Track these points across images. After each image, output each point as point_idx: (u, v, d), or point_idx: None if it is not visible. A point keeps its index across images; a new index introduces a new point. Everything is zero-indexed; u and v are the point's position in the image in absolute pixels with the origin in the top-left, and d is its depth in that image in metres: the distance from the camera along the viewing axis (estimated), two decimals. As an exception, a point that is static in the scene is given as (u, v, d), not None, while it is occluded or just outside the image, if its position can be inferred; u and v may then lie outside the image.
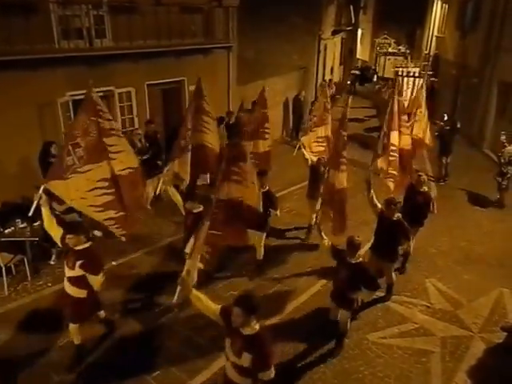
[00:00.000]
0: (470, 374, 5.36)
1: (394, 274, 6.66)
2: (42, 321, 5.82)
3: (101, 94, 9.25)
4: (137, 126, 9.98)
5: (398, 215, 6.15)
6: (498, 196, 10.44)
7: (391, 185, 7.23)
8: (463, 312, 6.50)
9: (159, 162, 9.12)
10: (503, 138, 10.54)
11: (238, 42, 11.73)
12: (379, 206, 6.36)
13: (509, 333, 5.95)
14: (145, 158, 9.04)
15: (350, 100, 18.33)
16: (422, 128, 9.73)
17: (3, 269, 6.45)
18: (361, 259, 5.26)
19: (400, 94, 7.49)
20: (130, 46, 9.11)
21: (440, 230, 8.77)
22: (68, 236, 4.78)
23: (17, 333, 5.63)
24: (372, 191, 6.46)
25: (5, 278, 6.46)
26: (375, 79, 28.35)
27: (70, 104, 8.66)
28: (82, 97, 8.63)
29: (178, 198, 6.32)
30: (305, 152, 8.53)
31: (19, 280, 6.69)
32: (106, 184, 5.25)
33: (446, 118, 12.52)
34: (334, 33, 22.35)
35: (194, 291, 3.94)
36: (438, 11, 22.69)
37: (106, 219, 5.31)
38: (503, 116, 14.31)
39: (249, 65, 12.24)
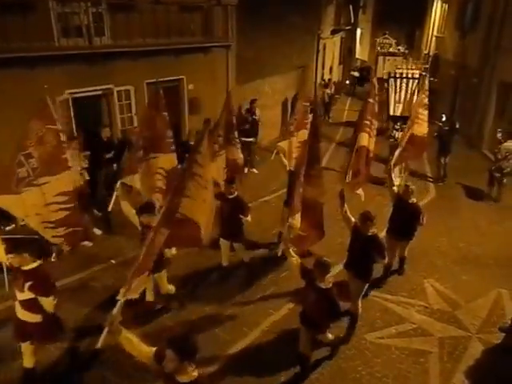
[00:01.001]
0: (468, 375, 5.37)
1: (360, 303, 6.01)
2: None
3: (100, 92, 9.30)
4: (136, 124, 9.95)
5: (373, 230, 5.72)
6: (496, 190, 10.51)
7: (362, 194, 6.92)
8: (461, 312, 6.51)
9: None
10: (499, 135, 10.68)
11: (237, 40, 11.69)
12: (353, 219, 6.00)
13: (507, 333, 5.95)
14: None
15: (348, 102, 18.41)
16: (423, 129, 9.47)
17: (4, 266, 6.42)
18: (331, 285, 4.76)
19: (372, 96, 7.20)
20: (129, 44, 9.08)
21: (438, 231, 8.77)
22: (10, 255, 4.37)
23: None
24: (345, 206, 6.12)
25: (6, 275, 6.43)
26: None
27: (70, 102, 8.64)
28: (81, 95, 8.78)
29: (131, 213, 5.74)
30: (282, 158, 8.08)
31: (19, 278, 6.66)
32: (66, 198, 4.96)
33: (444, 119, 12.54)
34: (334, 32, 22.37)
35: (125, 332, 3.51)
36: (437, 11, 22.67)
37: (53, 236, 5.12)
38: (502, 116, 14.31)
39: (248, 64, 12.21)
